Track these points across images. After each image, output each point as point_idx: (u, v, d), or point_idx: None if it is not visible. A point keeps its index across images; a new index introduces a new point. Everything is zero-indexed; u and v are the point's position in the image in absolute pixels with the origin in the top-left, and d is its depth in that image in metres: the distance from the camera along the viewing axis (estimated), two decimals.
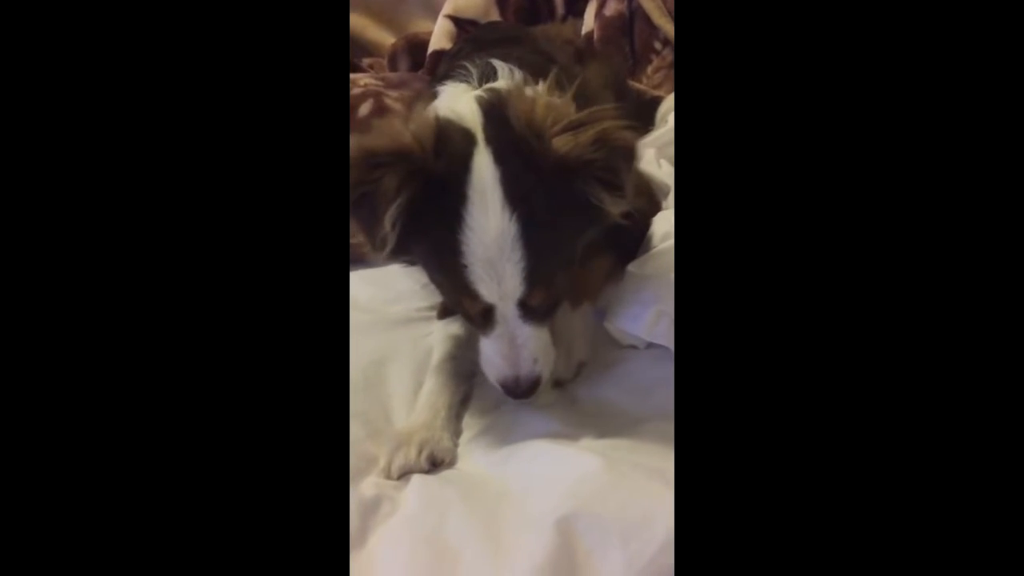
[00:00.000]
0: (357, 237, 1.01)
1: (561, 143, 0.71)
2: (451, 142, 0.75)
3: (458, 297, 0.79)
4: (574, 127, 0.72)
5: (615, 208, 0.75)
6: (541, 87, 0.85)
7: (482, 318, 0.79)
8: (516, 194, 0.72)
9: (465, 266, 0.73)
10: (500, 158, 0.73)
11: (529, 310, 0.77)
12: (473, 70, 0.94)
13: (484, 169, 0.73)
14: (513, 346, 0.78)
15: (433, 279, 0.85)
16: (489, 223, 0.72)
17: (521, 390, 0.80)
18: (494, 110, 0.79)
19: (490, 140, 0.75)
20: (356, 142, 0.74)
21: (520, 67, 0.93)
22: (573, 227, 0.78)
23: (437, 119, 0.77)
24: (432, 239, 0.76)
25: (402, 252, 0.80)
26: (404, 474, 0.78)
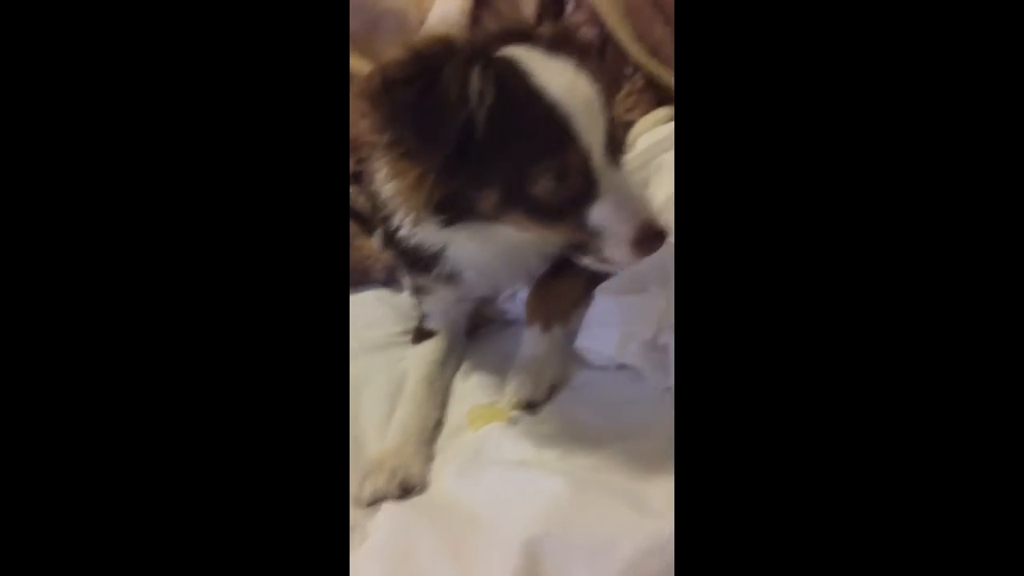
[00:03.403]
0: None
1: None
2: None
3: (558, 158, 0.75)
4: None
5: None
6: None
7: (583, 180, 0.76)
8: (564, 54, 0.78)
9: (564, 118, 0.74)
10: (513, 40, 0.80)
11: (613, 149, 0.78)
12: None
13: (518, 49, 0.78)
14: (623, 190, 0.78)
15: (521, 167, 0.76)
16: (564, 76, 0.76)
17: (656, 232, 0.76)
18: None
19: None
20: (389, 58, 0.76)
21: None
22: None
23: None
24: (515, 114, 0.75)
25: (464, 151, 0.75)
26: (375, 502, 0.77)
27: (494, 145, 0.75)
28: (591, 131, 0.76)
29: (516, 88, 0.75)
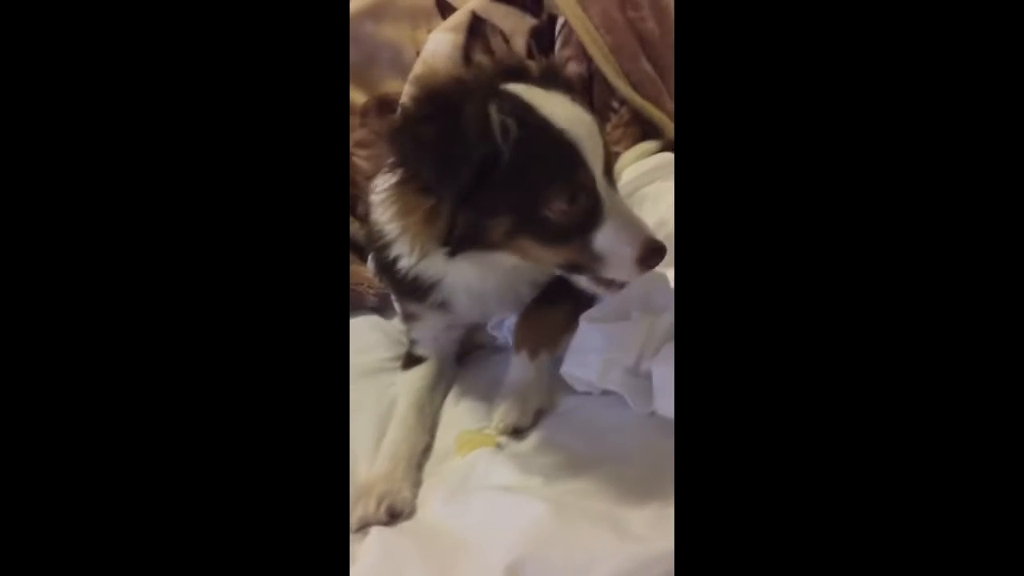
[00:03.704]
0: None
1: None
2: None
3: (570, 180, 0.80)
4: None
5: None
6: None
7: (588, 203, 0.81)
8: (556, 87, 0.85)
9: (572, 143, 0.79)
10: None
11: (609, 172, 0.84)
12: None
13: (517, 85, 0.83)
14: (623, 210, 0.83)
15: (537, 192, 0.81)
16: (565, 106, 0.82)
17: (659, 246, 0.81)
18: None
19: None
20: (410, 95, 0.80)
21: None
22: None
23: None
24: (529, 143, 0.79)
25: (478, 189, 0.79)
26: (363, 527, 0.79)
27: (510, 174, 0.79)
28: (594, 155, 0.81)
29: (528, 119, 0.80)
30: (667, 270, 0.93)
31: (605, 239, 0.81)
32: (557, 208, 0.80)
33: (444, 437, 0.94)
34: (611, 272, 0.83)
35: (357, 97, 1.84)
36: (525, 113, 0.81)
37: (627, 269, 0.82)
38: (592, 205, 0.81)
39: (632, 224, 0.82)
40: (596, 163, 0.81)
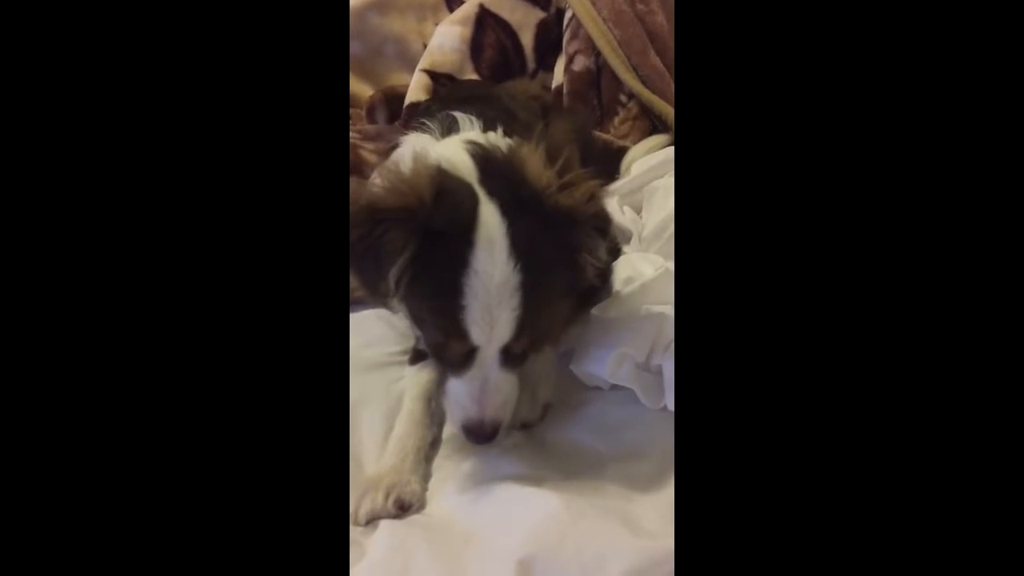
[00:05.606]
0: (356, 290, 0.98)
1: (565, 198, 0.78)
2: (452, 194, 0.78)
3: (446, 338, 0.79)
4: (570, 185, 0.79)
5: (601, 257, 0.83)
6: (497, 136, 0.92)
7: (462, 359, 0.80)
8: (521, 245, 0.76)
9: (463, 308, 0.75)
10: (505, 210, 0.77)
11: (508, 356, 0.80)
12: (434, 124, 1.00)
13: (491, 220, 0.77)
14: (485, 389, 0.80)
15: (420, 318, 0.84)
16: (495, 270, 0.75)
17: (484, 434, 0.81)
18: (487, 163, 0.83)
19: (492, 193, 0.78)
20: (358, 197, 0.76)
21: (479, 118, 0.99)
22: (561, 280, 0.82)
23: (436, 172, 0.79)
24: (434, 282, 0.77)
25: (399, 298, 0.81)
26: (372, 520, 0.79)
27: (417, 290, 0.78)
28: (487, 329, 0.76)
29: (448, 254, 0.76)
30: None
31: (453, 387, 0.82)
32: (430, 336, 0.81)
33: (452, 431, 0.94)
34: (447, 408, 0.85)
35: (363, 90, 1.84)
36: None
37: (455, 422, 0.84)
38: (461, 361, 0.80)
39: (484, 397, 0.80)
40: (494, 341, 0.78)
